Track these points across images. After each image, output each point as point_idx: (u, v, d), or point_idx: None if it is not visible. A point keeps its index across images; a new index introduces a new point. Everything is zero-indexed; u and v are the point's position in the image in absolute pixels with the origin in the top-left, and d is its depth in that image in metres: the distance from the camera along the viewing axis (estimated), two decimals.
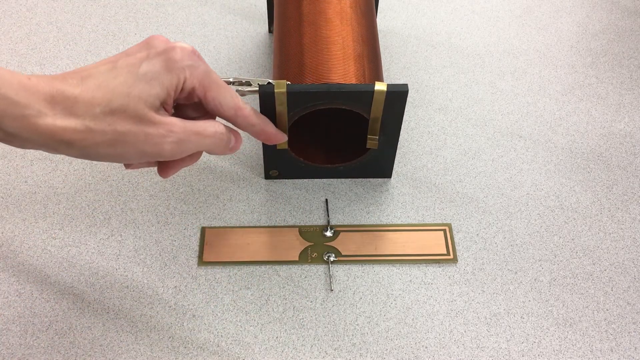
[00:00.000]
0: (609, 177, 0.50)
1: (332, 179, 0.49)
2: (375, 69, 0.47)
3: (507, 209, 0.48)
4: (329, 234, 0.46)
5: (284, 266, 0.44)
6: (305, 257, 0.45)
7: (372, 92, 0.42)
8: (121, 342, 0.41)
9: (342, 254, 0.45)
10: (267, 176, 0.49)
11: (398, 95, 0.42)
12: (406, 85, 0.42)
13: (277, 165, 0.48)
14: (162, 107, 0.36)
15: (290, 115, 0.43)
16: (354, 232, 0.46)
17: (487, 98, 0.55)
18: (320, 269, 0.44)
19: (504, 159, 0.51)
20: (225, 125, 0.39)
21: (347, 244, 0.46)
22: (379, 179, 0.49)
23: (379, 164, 0.48)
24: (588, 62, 0.58)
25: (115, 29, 0.58)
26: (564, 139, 0.52)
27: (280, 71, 0.47)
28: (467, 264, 0.45)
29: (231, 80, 0.44)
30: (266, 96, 0.42)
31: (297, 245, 0.45)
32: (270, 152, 0.47)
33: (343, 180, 0.49)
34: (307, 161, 0.48)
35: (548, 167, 0.50)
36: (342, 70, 0.45)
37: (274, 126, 0.43)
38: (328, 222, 0.47)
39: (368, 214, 0.47)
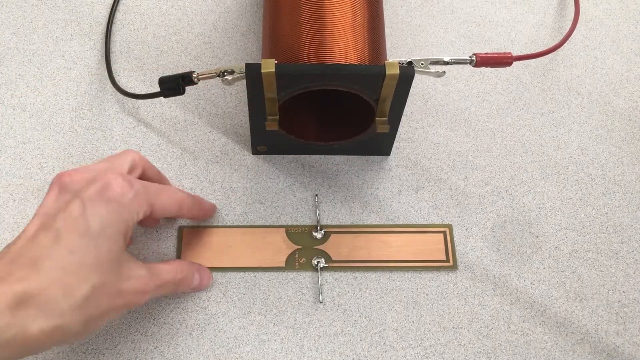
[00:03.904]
0: (608, 189, 0.49)
1: (326, 178, 0.48)
2: (377, 44, 0.44)
3: (508, 209, 0.47)
4: (319, 235, 0.44)
5: (268, 273, 0.44)
6: (293, 263, 0.43)
7: (383, 76, 0.38)
8: (121, 342, 0.41)
9: (333, 259, 0.43)
10: (255, 152, 0.47)
11: (407, 74, 0.39)
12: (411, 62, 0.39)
13: (265, 140, 0.45)
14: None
15: (280, 96, 0.40)
16: (345, 233, 0.45)
17: (488, 98, 0.54)
18: (308, 275, 0.44)
19: (505, 158, 0.50)
20: (188, 266, 0.39)
21: (338, 248, 0.44)
22: (378, 180, 0.49)
23: (378, 141, 0.45)
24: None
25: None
26: (564, 139, 0.52)
27: (272, 47, 0.42)
28: (467, 269, 0.44)
29: (214, 72, 0.41)
30: (253, 79, 0.39)
31: (284, 248, 0.44)
32: (258, 127, 0.43)
33: (339, 179, 0.49)
34: (300, 139, 0.45)
35: (547, 170, 0.50)
36: (343, 45, 0.41)
37: (207, 202, 0.43)
38: (318, 222, 0.45)
39: (369, 214, 0.47)
